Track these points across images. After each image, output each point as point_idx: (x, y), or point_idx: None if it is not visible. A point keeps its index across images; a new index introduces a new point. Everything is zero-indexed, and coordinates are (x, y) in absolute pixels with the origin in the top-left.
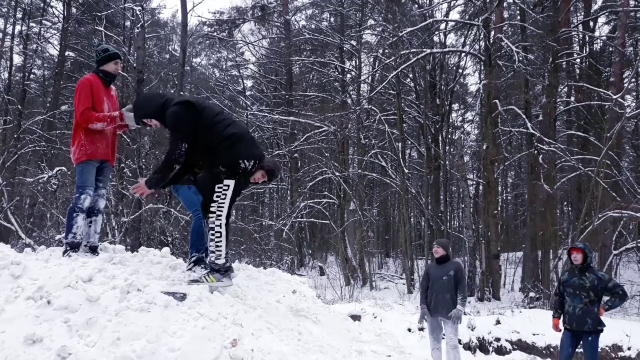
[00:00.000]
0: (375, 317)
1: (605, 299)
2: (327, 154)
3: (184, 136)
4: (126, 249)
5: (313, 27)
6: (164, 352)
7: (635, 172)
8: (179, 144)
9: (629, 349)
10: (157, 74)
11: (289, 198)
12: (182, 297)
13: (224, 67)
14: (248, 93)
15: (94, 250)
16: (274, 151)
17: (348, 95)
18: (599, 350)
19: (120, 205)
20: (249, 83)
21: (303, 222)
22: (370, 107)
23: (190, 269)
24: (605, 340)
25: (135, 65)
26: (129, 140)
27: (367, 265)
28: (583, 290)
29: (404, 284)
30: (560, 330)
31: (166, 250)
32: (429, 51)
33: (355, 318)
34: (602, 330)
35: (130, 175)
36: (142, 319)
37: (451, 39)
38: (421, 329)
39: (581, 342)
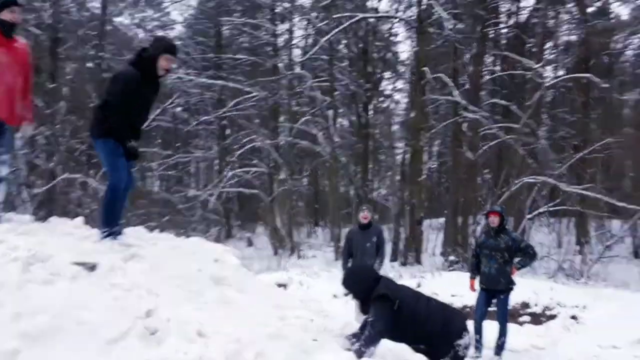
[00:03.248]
0: (302, 285)
1: (517, 259)
2: (256, 121)
3: None
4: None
5: None
6: (71, 326)
7: (550, 140)
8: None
9: (536, 305)
10: (75, 33)
11: (216, 167)
12: (92, 267)
13: (148, 27)
14: None
15: None
16: (200, 117)
17: (279, 60)
18: (509, 307)
19: (32, 176)
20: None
21: (231, 191)
22: (301, 72)
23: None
24: (515, 298)
25: (50, 22)
26: (42, 105)
27: (295, 234)
28: (498, 250)
29: (331, 252)
30: (475, 290)
31: (79, 220)
32: (361, 15)
33: (282, 286)
34: (512, 289)
35: (45, 141)
36: (46, 292)
37: (384, 4)
38: (346, 294)
39: (494, 300)
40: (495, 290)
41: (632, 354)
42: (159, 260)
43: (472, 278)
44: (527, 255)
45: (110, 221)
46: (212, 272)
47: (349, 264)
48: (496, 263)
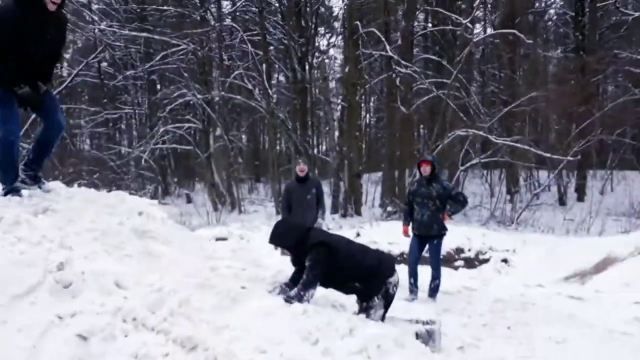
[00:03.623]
0: (242, 238)
1: (448, 206)
2: (186, 75)
3: None
4: None
5: None
6: None
7: (481, 95)
8: None
9: (469, 250)
10: None
11: (147, 123)
12: None
13: None
14: (94, 6)
15: None
16: (127, 71)
17: (207, 11)
18: (444, 252)
19: None
20: None
21: (164, 148)
22: (232, 24)
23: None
24: (449, 244)
25: None
26: None
27: (235, 190)
28: (430, 198)
29: (272, 207)
30: (409, 236)
31: None
32: None
33: (222, 240)
34: (444, 234)
35: None
36: None
37: None
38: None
39: (427, 247)
40: (428, 236)
41: (555, 290)
42: (74, 213)
43: (406, 225)
44: (458, 202)
45: (6, 178)
46: (135, 225)
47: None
48: (428, 210)
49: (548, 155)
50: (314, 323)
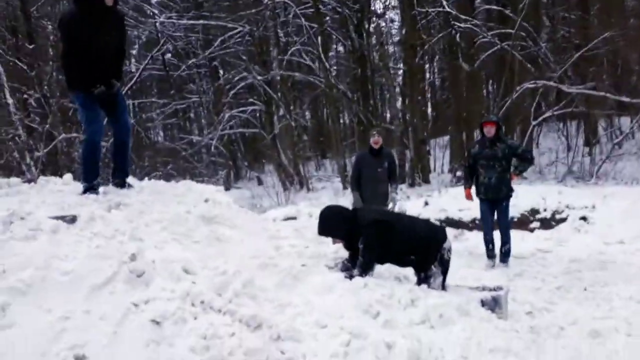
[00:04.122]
0: (311, 216)
1: (515, 164)
2: (245, 57)
3: None
4: None
5: None
6: (56, 276)
7: (551, 42)
8: None
9: (545, 210)
10: None
11: (214, 109)
12: (72, 220)
13: None
14: (153, 0)
15: None
16: (190, 61)
17: None
18: (519, 214)
19: (31, 139)
20: None
21: (232, 133)
22: (284, 0)
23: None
24: (523, 205)
25: None
26: (25, 67)
27: (302, 168)
28: (496, 159)
29: (339, 182)
30: (472, 199)
31: (68, 176)
32: None
33: (291, 219)
34: (512, 195)
35: (35, 105)
36: (27, 247)
37: None
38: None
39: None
40: (497, 200)
41: (637, 247)
42: (145, 205)
43: (468, 188)
44: (526, 160)
45: (88, 176)
46: (202, 212)
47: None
48: (496, 172)
49: (628, 99)
50: (375, 296)
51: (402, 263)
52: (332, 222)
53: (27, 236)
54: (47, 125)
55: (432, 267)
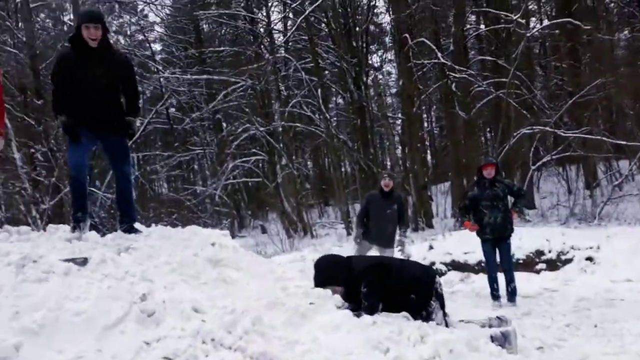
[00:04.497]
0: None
1: (514, 204)
2: (247, 110)
3: None
4: None
5: None
6: (68, 317)
7: (545, 90)
8: None
9: (550, 251)
10: (54, 48)
11: (217, 160)
12: (83, 262)
13: (128, 32)
14: (157, 57)
15: None
16: (193, 114)
17: (261, 46)
18: (524, 256)
19: (37, 192)
20: (157, 46)
21: (235, 182)
22: (285, 55)
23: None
24: (528, 247)
25: (24, 39)
26: (32, 122)
27: (306, 215)
28: (498, 199)
29: (343, 228)
30: (474, 228)
31: None
32: None
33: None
34: (512, 233)
35: (42, 159)
36: (40, 289)
37: None
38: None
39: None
40: (502, 238)
41: None
42: (153, 249)
43: (467, 220)
44: (520, 196)
45: (75, 210)
46: (209, 255)
47: (363, 228)
48: (500, 212)
49: (624, 142)
50: (384, 333)
51: (401, 305)
52: (328, 271)
53: (40, 278)
54: (54, 179)
55: (432, 302)
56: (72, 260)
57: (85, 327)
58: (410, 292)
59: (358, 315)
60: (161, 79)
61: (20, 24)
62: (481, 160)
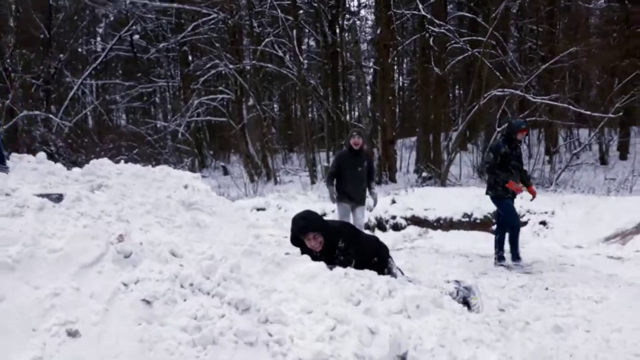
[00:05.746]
0: (280, 208)
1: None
2: (217, 45)
3: None
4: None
5: None
6: (43, 253)
7: (518, 52)
8: None
9: None
10: None
11: (181, 96)
12: (58, 198)
13: None
14: None
15: None
16: (159, 44)
17: None
18: (482, 216)
19: None
20: None
21: (199, 120)
22: None
23: None
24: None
25: None
26: None
27: (270, 160)
28: (520, 160)
29: (307, 176)
30: (520, 189)
31: (41, 155)
32: None
33: (260, 210)
34: None
35: None
36: (14, 223)
37: None
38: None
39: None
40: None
41: (593, 252)
42: (125, 188)
43: (511, 180)
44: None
45: None
46: (182, 198)
47: (334, 186)
48: (520, 172)
49: (588, 112)
50: (355, 285)
51: (366, 266)
52: (317, 219)
53: (14, 212)
54: (8, 101)
55: (389, 260)
56: (47, 195)
57: (62, 264)
58: (374, 255)
59: (331, 268)
60: (127, 3)
61: None
62: (522, 124)
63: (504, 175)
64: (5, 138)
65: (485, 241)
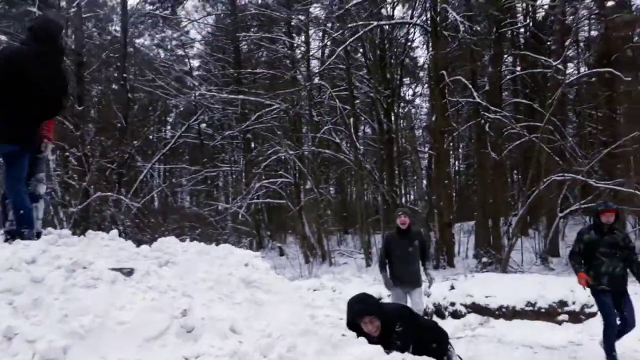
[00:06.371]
0: (334, 291)
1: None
2: (279, 132)
3: None
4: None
5: (260, 1)
6: (112, 325)
7: (578, 137)
8: None
9: (573, 302)
10: (98, 56)
11: (243, 180)
12: (130, 272)
13: (169, 46)
14: (195, 73)
15: (37, 236)
16: (224, 132)
17: (298, 72)
18: (547, 306)
19: (67, 195)
20: (196, 62)
21: (259, 203)
22: (320, 82)
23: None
24: (552, 296)
25: (73, 47)
26: (71, 127)
27: (325, 242)
28: (618, 248)
29: (362, 259)
30: (587, 284)
31: (114, 232)
32: (375, 23)
33: (314, 292)
34: None
35: (75, 163)
36: (88, 295)
37: (399, 10)
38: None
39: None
40: (621, 291)
41: None
42: (191, 265)
43: (581, 271)
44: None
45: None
46: (243, 275)
47: (387, 271)
48: (620, 261)
49: None
50: None
51: (425, 351)
52: (374, 303)
53: (88, 284)
54: (85, 183)
55: (449, 348)
56: (120, 269)
57: (129, 336)
58: (432, 340)
59: (388, 352)
60: (196, 95)
61: (69, 31)
62: (599, 205)
63: (577, 266)
64: (80, 217)
65: (550, 331)
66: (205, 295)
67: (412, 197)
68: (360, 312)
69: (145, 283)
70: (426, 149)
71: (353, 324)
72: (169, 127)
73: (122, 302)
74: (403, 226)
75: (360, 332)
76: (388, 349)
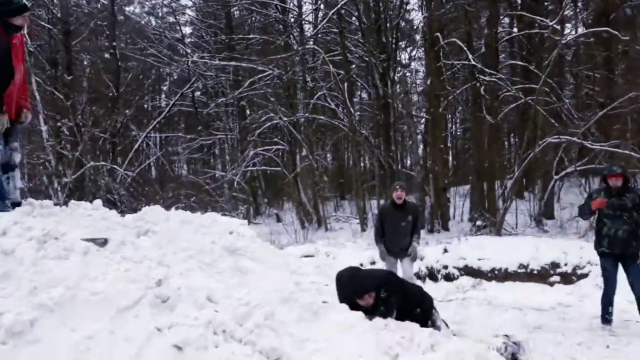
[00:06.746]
0: (328, 255)
1: None
2: (272, 99)
3: None
4: None
5: None
6: (85, 296)
7: (574, 99)
8: None
9: (565, 264)
10: (87, 25)
11: (239, 147)
12: (103, 242)
13: (160, 14)
14: (187, 40)
15: (16, 206)
16: (218, 99)
17: (291, 37)
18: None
19: (60, 165)
20: (188, 29)
21: (255, 170)
22: (314, 47)
23: None
24: (544, 258)
25: (59, 15)
26: (61, 97)
27: (321, 208)
28: (625, 210)
29: (358, 224)
30: (599, 204)
31: (98, 202)
32: None
33: (309, 257)
34: None
35: (67, 133)
36: (59, 267)
37: None
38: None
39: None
40: (623, 255)
41: None
42: (171, 234)
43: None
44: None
45: None
46: (226, 244)
47: (382, 243)
48: (625, 224)
49: None
50: (395, 338)
51: (408, 317)
52: (367, 277)
53: (60, 256)
54: (77, 153)
55: (434, 312)
56: (93, 240)
57: (101, 307)
58: (417, 305)
59: (370, 318)
60: (189, 62)
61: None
62: (605, 169)
63: (585, 206)
64: (74, 187)
65: (541, 294)
66: (183, 265)
67: (408, 162)
68: (356, 292)
69: (120, 253)
70: (422, 114)
71: (347, 301)
72: (163, 96)
73: (94, 273)
74: (399, 201)
75: (353, 306)
76: (371, 314)
